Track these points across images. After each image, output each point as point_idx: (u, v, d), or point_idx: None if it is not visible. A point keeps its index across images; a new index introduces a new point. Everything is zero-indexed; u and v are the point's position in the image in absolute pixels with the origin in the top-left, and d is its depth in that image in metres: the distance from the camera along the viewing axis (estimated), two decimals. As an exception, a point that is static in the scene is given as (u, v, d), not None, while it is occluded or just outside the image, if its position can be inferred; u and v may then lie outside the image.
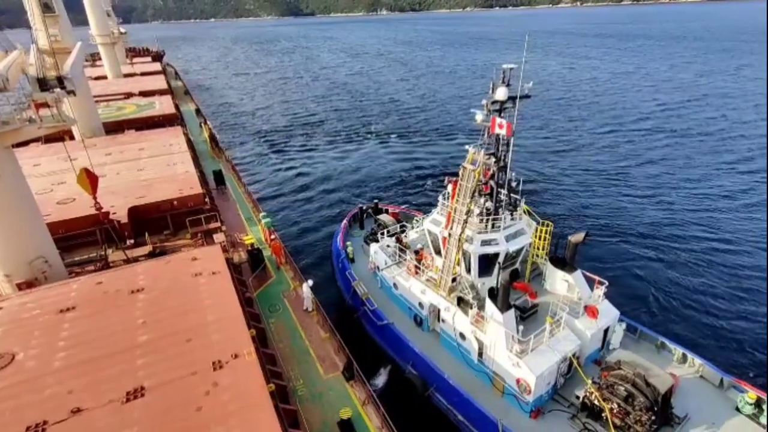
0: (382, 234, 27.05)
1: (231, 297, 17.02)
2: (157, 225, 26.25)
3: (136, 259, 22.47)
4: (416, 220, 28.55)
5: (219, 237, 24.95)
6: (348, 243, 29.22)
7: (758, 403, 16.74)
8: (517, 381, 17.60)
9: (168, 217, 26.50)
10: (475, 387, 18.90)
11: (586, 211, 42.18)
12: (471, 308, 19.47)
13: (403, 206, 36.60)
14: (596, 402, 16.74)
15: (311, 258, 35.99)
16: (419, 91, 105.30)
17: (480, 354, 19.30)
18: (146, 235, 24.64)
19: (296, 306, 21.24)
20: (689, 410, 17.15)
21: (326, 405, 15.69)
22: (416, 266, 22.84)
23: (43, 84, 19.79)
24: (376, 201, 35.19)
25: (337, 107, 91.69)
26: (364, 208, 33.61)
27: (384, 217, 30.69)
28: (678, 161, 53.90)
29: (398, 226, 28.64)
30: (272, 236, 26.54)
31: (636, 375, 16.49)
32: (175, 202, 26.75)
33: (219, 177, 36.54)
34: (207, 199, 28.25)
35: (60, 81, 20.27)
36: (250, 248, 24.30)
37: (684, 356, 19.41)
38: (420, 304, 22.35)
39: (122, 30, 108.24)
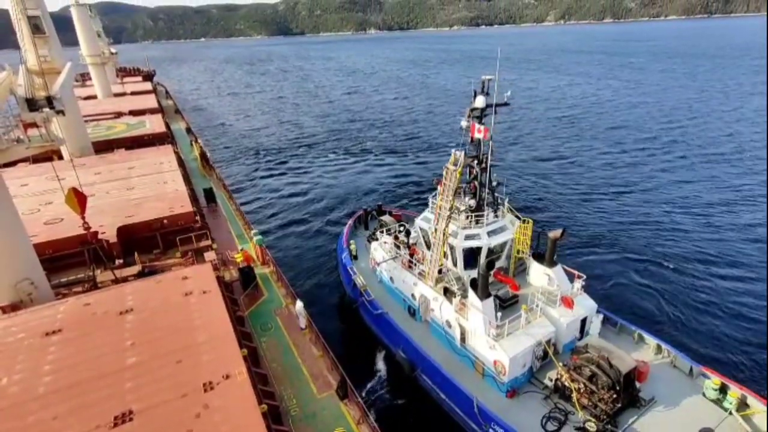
0: (382, 232, 28.54)
1: (222, 316, 16.77)
2: (147, 244, 25.94)
3: (125, 279, 22.11)
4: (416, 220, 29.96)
5: (210, 255, 24.70)
6: (351, 241, 31.04)
7: (722, 389, 17.83)
8: (494, 362, 19.13)
9: (158, 236, 26.21)
10: (457, 369, 20.39)
11: (578, 217, 42.96)
12: (455, 297, 21.00)
13: (405, 209, 37.94)
14: (566, 383, 17.99)
15: (304, 273, 35.82)
16: (416, 109, 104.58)
17: (463, 339, 20.91)
18: (135, 254, 24.32)
19: (289, 324, 20.96)
20: (658, 395, 18.34)
21: (320, 425, 15.37)
22: (409, 261, 24.78)
23: (31, 104, 19.70)
24: (379, 204, 36.86)
25: (331, 126, 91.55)
26: (368, 210, 35.78)
27: (386, 218, 32.01)
28: (658, 167, 55.23)
29: (398, 225, 29.92)
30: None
31: (600, 357, 17.69)
32: (165, 221, 26.51)
33: (210, 195, 36.37)
34: (197, 217, 28.05)
35: (49, 101, 20.20)
36: (241, 266, 24.08)
37: (659, 347, 20.69)
38: (413, 295, 24.27)
39: (113, 50, 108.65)
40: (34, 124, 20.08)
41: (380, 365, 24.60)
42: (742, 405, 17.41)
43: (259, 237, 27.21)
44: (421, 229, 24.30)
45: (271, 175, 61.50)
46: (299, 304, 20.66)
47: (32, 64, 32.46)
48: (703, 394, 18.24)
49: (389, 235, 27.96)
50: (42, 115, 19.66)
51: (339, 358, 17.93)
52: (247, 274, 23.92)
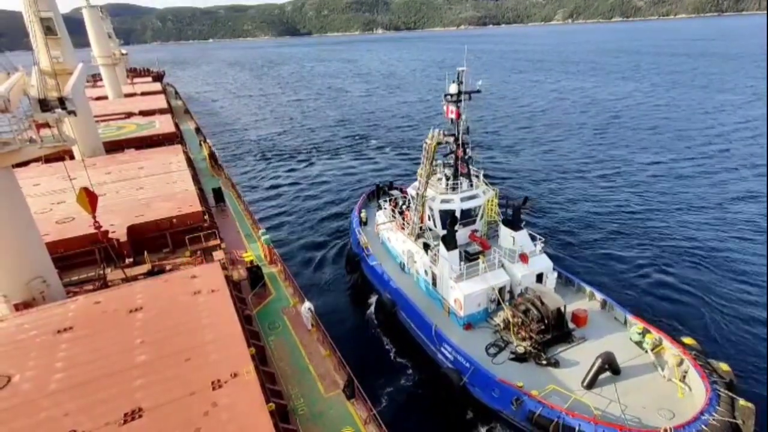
0: (387, 202, 33.26)
1: (230, 315, 16.88)
2: (156, 243, 26.19)
3: (134, 278, 22.33)
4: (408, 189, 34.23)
5: (218, 254, 24.87)
6: (363, 211, 36.92)
7: (644, 333, 21.33)
8: (455, 300, 23.74)
9: (167, 235, 26.44)
10: (430, 309, 25.06)
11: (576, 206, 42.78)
12: (431, 249, 25.70)
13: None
14: (509, 318, 22.34)
15: (312, 272, 36.02)
16: (433, 112, 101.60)
17: (434, 283, 25.81)
18: (145, 253, 24.55)
19: (296, 323, 21.02)
20: (590, 336, 22.31)
21: (327, 424, 15.40)
22: (402, 223, 29.85)
23: (44, 105, 19.91)
24: (391, 181, 42.39)
25: (344, 128, 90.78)
26: (381, 185, 40.34)
27: (395, 192, 37.36)
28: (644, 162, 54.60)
29: (401, 196, 34.81)
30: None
31: (535, 297, 22.29)
32: (174, 220, 26.74)
33: (218, 194, 36.56)
34: (206, 217, 28.23)
35: (61, 102, 20.40)
36: (249, 265, 24.20)
37: (604, 302, 24.53)
38: (402, 251, 29.21)
39: (123, 51, 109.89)
40: (46, 125, 20.30)
41: (371, 301, 30.22)
42: (657, 346, 20.68)
43: (267, 237, 27.31)
44: (411, 196, 28.69)
45: (281, 176, 61.77)
46: (306, 304, 20.69)
47: (45, 65, 32.96)
48: (630, 338, 21.77)
49: (389, 202, 32.89)
50: (54, 116, 19.87)
51: (346, 357, 17.94)
52: (255, 274, 24.06)
